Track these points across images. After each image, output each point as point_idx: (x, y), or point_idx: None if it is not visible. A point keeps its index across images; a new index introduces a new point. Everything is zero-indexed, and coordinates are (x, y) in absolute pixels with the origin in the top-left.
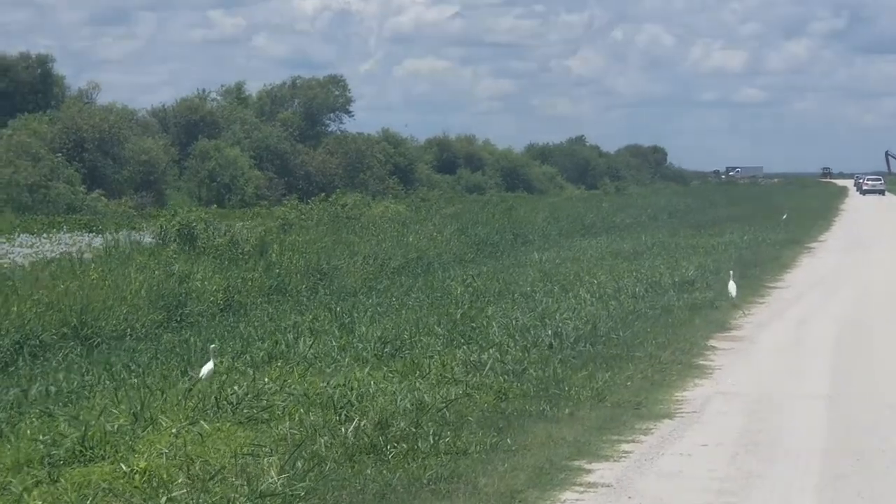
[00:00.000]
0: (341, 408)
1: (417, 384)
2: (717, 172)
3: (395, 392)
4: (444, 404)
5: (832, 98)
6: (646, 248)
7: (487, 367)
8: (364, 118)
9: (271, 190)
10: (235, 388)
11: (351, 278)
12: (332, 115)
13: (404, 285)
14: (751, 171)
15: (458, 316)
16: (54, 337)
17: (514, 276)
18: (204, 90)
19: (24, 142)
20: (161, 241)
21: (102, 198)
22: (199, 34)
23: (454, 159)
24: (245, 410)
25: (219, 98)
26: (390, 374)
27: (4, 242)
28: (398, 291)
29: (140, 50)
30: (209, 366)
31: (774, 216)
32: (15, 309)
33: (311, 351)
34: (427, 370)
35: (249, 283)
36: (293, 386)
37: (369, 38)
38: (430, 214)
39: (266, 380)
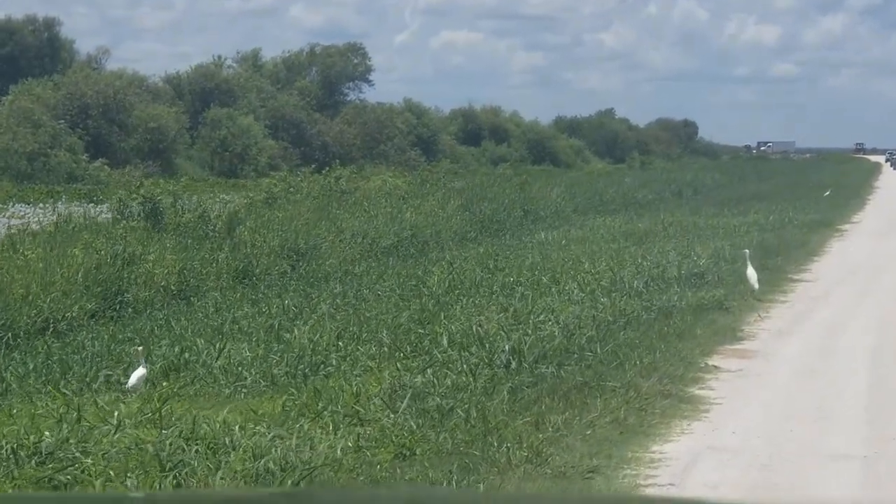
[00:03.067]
0: (169, 469)
1: (305, 428)
2: (748, 147)
3: (260, 445)
4: (308, 471)
5: (867, 74)
6: (661, 228)
7: (405, 403)
8: (397, 89)
9: (286, 160)
10: (48, 433)
11: (332, 259)
12: (351, 83)
13: (383, 269)
14: (783, 146)
15: (404, 319)
16: None
17: (507, 261)
18: (220, 57)
19: (25, 107)
20: (120, 217)
21: (106, 167)
22: (236, 4)
23: (479, 131)
24: (51, 465)
25: (234, 65)
26: (287, 407)
27: None
28: (371, 277)
29: (176, 20)
30: (139, 372)
31: (805, 193)
32: None
33: (220, 362)
34: (334, 402)
35: (211, 266)
36: (138, 426)
37: (405, 9)
38: (433, 188)
39: (117, 413)
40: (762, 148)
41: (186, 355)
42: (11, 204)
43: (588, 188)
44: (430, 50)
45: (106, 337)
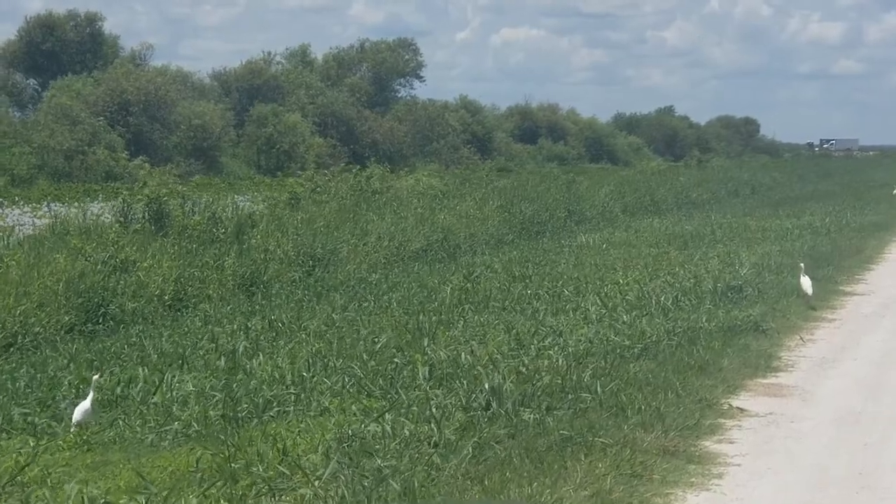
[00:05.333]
0: None
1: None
2: (810, 145)
3: None
4: None
5: None
6: (709, 230)
7: (329, 468)
8: (457, 86)
9: (334, 158)
10: None
11: (351, 265)
12: (402, 80)
13: (403, 276)
14: (846, 143)
15: (389, 342)
16: None
17: (536, 268)
18: (269, 53)
19: (63, 104)
20: (122, 220)
21: (146, 165)
22: (296, 2)
23: (536, 128)
24: None
25: (283, 62)
26: (200, 464)
27: (29, 212)
28: (384, 287)
29: (237, 17)
30: (84, 405)
31: (865, 192)
32: None
33: (157, 398)
34: (260, 460)
35: (215, 273)
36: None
37: (466, 6)
38: (472, 188)
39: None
40: (825, 146)
41: (119, 390)
42: (45, 203)
43: (640, 187)
44: (490, 47)
45: (61, 359)
